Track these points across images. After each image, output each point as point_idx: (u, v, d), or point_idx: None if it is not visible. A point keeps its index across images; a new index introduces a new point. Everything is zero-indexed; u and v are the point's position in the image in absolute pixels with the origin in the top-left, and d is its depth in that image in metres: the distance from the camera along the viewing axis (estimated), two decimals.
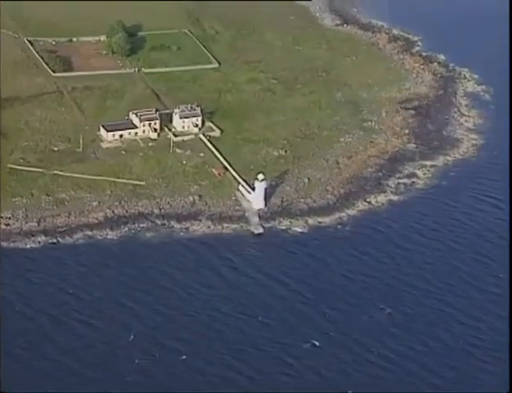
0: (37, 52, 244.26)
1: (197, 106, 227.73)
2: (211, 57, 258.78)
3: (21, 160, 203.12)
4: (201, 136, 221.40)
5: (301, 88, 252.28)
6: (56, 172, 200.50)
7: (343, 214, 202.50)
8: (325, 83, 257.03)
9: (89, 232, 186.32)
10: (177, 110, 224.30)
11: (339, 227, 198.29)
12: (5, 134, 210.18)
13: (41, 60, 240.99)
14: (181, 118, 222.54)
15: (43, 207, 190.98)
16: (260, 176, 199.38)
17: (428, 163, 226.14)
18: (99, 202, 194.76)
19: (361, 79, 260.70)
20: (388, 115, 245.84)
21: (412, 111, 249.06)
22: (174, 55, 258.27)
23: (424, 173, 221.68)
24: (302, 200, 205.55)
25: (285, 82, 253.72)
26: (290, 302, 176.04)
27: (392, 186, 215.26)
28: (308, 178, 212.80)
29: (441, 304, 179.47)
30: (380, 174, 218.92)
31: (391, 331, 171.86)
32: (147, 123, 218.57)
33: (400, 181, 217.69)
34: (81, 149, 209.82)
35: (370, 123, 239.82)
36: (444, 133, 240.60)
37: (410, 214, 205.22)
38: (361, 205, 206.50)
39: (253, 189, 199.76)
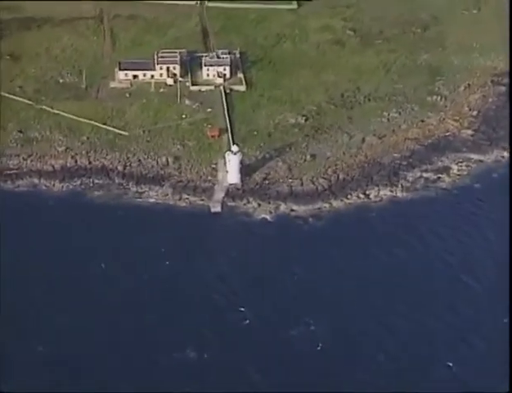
0: None
1: (238, 53, 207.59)
2: None
3: (18, 89, 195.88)
4: (222, 88, 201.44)
5: (381, 44, 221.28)
6: (43, 107, 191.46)
7: (325, 204, 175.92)
8: (416, 41, 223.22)
9: (36, 180, 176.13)
10: (208, 56, 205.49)
11: (310, 219, 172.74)
12: (17, 58, 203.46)
13: None
14: (205, 65, 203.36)
15: (6, 144, 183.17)
16: (234, 148, 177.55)
17: (475, 157, 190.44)
18: (67, 148, 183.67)
19: (466, 41, 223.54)
20: (467, 89, 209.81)
21: (503, 88, 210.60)
22: None
23: (460, 170, 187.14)
24: (290, 180, 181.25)
25: (364, 34, 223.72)
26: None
27: (410, 179, 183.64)
28: (312, 156, 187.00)
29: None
30: (404, 163, 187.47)
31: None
32: (165, 66, 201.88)
33: (424, 175, 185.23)
34: (84, 85, 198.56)
35: (436, 97, 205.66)
36: None
37: (404, 217, 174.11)
38: (355, 198, 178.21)
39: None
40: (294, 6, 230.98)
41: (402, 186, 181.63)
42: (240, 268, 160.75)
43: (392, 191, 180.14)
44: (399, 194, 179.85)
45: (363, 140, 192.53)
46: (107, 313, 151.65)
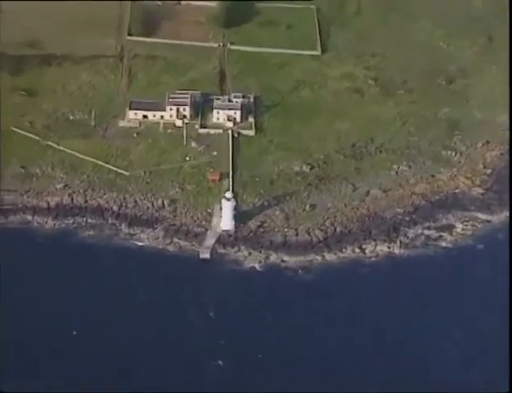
0: (131, 11, 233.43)
1: (252, 97, 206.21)
2: (318, 43, 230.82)
3: (28, 124, 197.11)
4: (230, 132, 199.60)
5: (402, 94, 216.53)
6: (49, 143, 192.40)
7: (317, 257, 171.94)
8: (439, 93, 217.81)
9: (29, 217, 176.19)
10: (219, 99, 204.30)
11: (300, 272, 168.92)
12: (33, 93, 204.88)
13: (128, 20, 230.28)
14: (216, 108, 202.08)
15: (7, 179, 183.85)
16: (228, 194, 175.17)
17: (483, 217, 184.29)
18: (65, 185, 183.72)
19: (492, 96, 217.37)
20: (485, 146, 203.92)
21: None
22: (279, 34, 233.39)
23: (465, 229, 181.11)
24: (285, 230, 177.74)
25: (386, 84, 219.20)
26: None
27: (410, 236, 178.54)
28: (312, 206, 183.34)
29: None
30: (407, 219, 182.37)
31: None
32: (175, 107, 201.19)
33: (425, 232, 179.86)
34: (93, 123, 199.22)
35: (451, 152, 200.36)
36: None
37: (397, 275, 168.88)
38: (349, 252, 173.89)
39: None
40: (318, 52, 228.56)
41: (401, 242, 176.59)
42: (219, 318, 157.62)
43: (389, 248, 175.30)
44: (396, 251, 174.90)
45: (367, 193, 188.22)
46: (79, 357, 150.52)
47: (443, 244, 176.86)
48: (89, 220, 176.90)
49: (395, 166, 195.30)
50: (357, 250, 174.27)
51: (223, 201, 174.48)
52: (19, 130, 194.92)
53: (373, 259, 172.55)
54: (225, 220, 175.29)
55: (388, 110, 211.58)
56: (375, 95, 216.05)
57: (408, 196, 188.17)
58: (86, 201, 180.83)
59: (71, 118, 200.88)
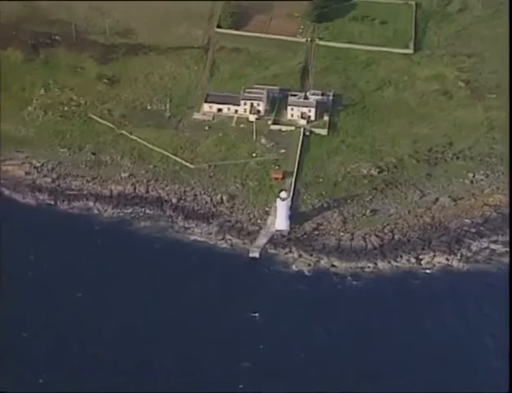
0: (225, 3, 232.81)
1: (332, 95, 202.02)
2: (411, 40, 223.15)
3: (106, 112, 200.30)
4: (302, 130, 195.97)
5: (494, 98, 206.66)
6: (123, 132, 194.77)
7: (369, 264, 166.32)
8: None
9: (90, 203, 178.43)
10: (295, 95, 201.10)
11: (348, 278, 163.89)
12: (116, 81, 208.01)
13: (220, 12, 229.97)
14: (290, 105, 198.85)
15: (77, 165, 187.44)
16: (283, 194, 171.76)
17: None
18: (130, 175, 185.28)
19: None
20: None
21: None
22: (372, 30, 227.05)
23: None
24: (340, 234, 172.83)
25: (477, 87, 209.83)
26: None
27: (473, 249, 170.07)
28: (373, 211, 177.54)
29: None
30: (473, 231, 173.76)
31: None
32: (249, 102, 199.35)
33: (491, 246, 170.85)
34: (167, 114, 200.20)
35: None
36: None
37: (449, 290, 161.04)
38: (405, 262, 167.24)
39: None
40: (410, 50, 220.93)
41: (462, 255, 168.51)
42: (254, 323, 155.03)
43: (448, 260, 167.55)
44: (455, 264, 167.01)
45: (436, 200, 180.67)
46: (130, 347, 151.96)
47: (508, 260, 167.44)
48: (147, 211, 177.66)
49: (470, 174, 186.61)
50: (413, 260, 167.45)
51: (278, 200, 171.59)
52: (96, 118, 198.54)
53: (428, 270, 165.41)
54: (279, 220, 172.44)
55: (476, 115, 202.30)
56: (464, 98, 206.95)
57: (479, 206, 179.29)
58: (147, 192, 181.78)
59: (148, 107, 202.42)
